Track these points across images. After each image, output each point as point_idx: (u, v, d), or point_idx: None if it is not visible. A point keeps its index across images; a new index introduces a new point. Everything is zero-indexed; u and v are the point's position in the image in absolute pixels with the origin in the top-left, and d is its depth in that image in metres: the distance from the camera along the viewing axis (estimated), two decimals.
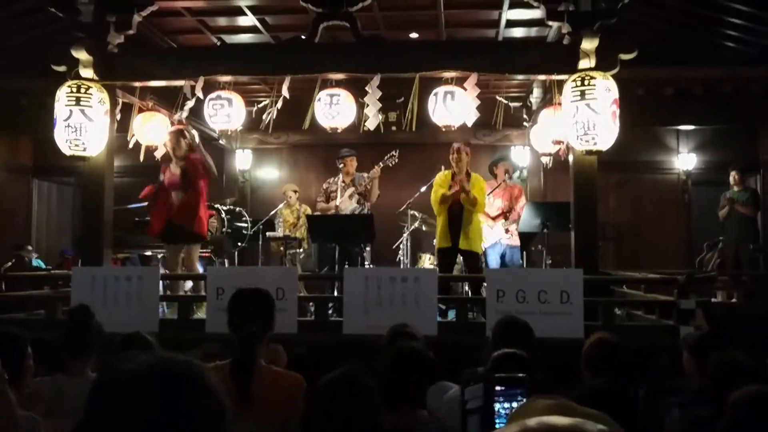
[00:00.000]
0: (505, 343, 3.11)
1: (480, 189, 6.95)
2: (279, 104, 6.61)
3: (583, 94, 5.82)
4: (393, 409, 2.47)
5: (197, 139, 6.68)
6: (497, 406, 1.34)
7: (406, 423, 2.49)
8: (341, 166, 7.65)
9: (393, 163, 7.58)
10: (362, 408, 1.95)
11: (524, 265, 7.97)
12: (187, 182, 6.55)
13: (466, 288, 7.44)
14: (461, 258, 7.09)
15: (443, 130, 6.55)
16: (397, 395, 2.53)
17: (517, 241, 7.86)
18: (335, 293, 6.56)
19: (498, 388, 1.35)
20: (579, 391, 2.48)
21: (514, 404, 1.33)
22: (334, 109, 6.64)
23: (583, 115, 5.82)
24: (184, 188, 6.55)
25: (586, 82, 5.83)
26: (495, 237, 7.84)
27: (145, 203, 7.13)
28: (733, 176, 8.89)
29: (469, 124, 6.57)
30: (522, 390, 1.36)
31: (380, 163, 7.54)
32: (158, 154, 7.18)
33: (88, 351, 3.13)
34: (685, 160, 11.07)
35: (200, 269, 7.16)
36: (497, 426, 1.35)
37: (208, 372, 1.04)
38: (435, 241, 7.36)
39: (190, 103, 6.62)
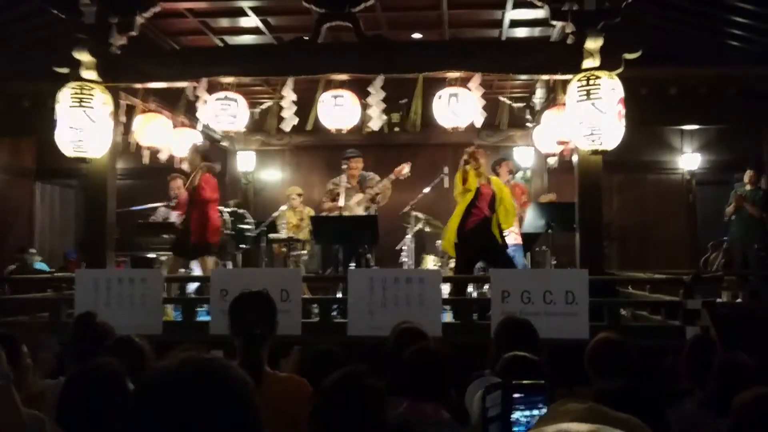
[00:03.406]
0: (508, 344, 3.09)
1: (507, 194, 6.55)
2: (285, 105, 6.57)
3: (588, 93, 5.80)
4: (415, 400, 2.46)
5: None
6: (517, 414, 1.31)
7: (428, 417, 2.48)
8: (345, 167, 7.60)
9: (404, 177, 7.43)
10: (370, 409, 1.93)
11: (528, 266, 7.91)
12: (193, 198, 6.61)
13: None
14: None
15: (450, 131, 6.51)
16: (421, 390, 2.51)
17: (519, 239, 7.74)
18: (339, 295, 6.53)
19: (517, 395, 1.32)
20: (594, 392, 2.45)
21: (535, 412, 1.30)
22: (337, 110, 6.61)
23: (588, 115, 5.80)
24: (192, 204, 6.62)
25: (591, 82, 5.80)
26: None
27: (154, 205, 7.14)
28: (749, 175, 8.80)
29: (478, 125, 6.54)
30: (543, 397, 1.33)
31: (391, 176, 7.39)
32: (162, 157, 7.15)
33: (92, 356, 3.09)
34: (689, 160, 11.02)
35: (197, 271, 7.13)
36: None
37: (238, 368, 1.04)
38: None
39: (201, 115, 6.60)
